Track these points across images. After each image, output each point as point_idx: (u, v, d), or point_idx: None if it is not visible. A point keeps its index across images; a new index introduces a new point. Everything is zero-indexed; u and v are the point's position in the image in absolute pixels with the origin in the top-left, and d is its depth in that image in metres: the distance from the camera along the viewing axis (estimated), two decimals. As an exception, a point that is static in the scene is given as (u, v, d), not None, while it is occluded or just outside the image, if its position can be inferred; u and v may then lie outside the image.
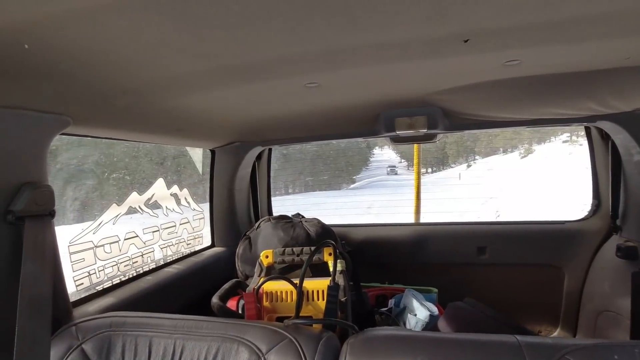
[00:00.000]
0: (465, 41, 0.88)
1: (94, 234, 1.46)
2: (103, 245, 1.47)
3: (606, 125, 1.66)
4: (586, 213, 2.05)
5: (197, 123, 1.53)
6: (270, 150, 2.40)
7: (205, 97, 1.24)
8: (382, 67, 1.05)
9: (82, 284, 1.40)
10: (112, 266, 1.51)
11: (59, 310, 1.12)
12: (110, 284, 1.47)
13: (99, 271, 1.45)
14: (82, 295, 1.34)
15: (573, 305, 2.03)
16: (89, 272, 1.42)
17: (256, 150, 2.12)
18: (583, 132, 2.03)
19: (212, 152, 2.05)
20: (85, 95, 0.99)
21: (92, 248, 1.43)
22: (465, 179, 13.69)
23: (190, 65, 0.94)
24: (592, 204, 2.01)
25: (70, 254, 1.35)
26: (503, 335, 0.86)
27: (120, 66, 0.88)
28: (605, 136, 1.82)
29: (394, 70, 1.09)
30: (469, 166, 15.88)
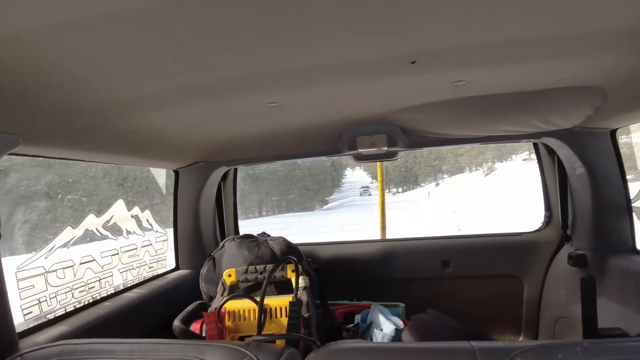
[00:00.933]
0: (413, 62, 0.94)
1: (45, 258, 1.38)
2: (55, 271, 1.40)
3: (551, 142, 1.78)
4: (540, 224, 2.16)
5: (159, 143, 1.51)
6: (235, 170, 2.39)
7: (167, 117, 1.24)
8: (340, 87, 1.10)
9: (31, 312, 1.31)
10: (65, 292, 1.43)
11: (3, 341, 1.04)
12: (64, 312, 1.39)
13: (50, 298, 1.37)
14: (31, 325, 1.26)
15: (533, 313, 2.10)
16: (39, 300, 1.34)
17: (221, 171, 2.10)
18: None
19: (176, 172, 2.02)
20: (38, 113, 0.96)
21: (43, 274, 1.35)
22: (435, 197, 14.16)
23: (150, 84, 0.94)
24: (545, 216, 2.13)
25: (18, 280, 1.28)
26: (458, 342, 0.89)
27: (78, 84, 0.87)
28: (551, 151, 1.95)
29: (351, 89, 1.14)
30: (437, 185, 16.49)
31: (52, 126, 1.05)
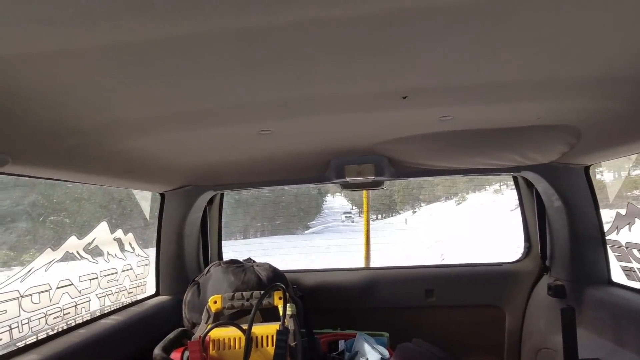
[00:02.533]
0: (404, 98, 0.99)
1: (21, 282, 1.32)
2: (30, 295, 1.34)
3: (529, 175, 1.86)
4: (520, 255, 2.22)
5: (147, 166, 1.50)
6: (222, 194, 2.37)
7: (157, 141, 1.25)
8: (332, 118, 1.14)
9: (1, 340, 1.24)
10: (39, 318, 1.36)
11: None
12: (35, 339, 1.32)
13: (22, 324, 1.30)
14: (0, 353, 1.19)
15: (514, 344, 2.12)
16: (10, 326, 1.27)
17: (208, 195, 2.09)
18: (509, 183, 2.27)
19: (162, 195, 1.99)
20: (28, 134, 0.95)
21: (17, 298, 1.29)
22: (411, 223, 14.47)
23: (142, 109, 0.95)
24: (524, 247, 2.19)
25: (-10, 305, 1.22)
26: None
27: (70, 108, 0.87)
28: (530, 184, 2.03)
29: (343, 120, 1.18)
30: (414, 212, 16.85)
31: (40, 146, 1.04)
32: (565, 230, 1.79)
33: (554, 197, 1.80)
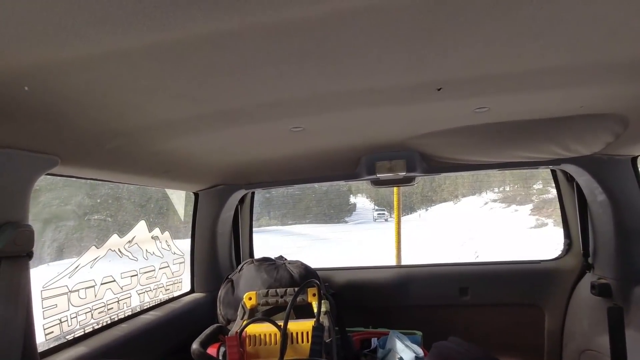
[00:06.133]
0: (439, 89, 0.97)
1: (69, 278, 1.40)
2: (78, 290, 1.41)
3: (570, 168, 1.78)
4: (560, 252, 2.12)
5: (183, 165, 1.55)
6: (253, 193, 2.41)
7: (193, 141, 1.28)
8: (365, 112, 1.13)
9: (52, 332, 1.31)
10: (85, 313, 1.44)
11: None
12: (83, 333, 1.39)
13: (71, 318, 1.38)
14: (52, 345, 1.26)
15: (555, 344, 2.03)
16: (60, 320, 1.34)
17: (239, 194, 2.13)
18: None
19: (196, 195, 2.05)
20: (76, 136, 1.01)
21: (66, 293, 1.36)
22: (424, 217, 16.69)
23: (182, 109, 0.98)
24: (564, 244, 2.09)
25: (43, 299, 1.29)
26: None
27: (116, 109, 0.91)
28: (570, 178, 1.94)
29: (375, 114, 1.17)
30: (426, 210, 19.10)
31: (87, 148, 1.09)
32: (611, 225, 1.69)
33: (597, 191, 1.70)
